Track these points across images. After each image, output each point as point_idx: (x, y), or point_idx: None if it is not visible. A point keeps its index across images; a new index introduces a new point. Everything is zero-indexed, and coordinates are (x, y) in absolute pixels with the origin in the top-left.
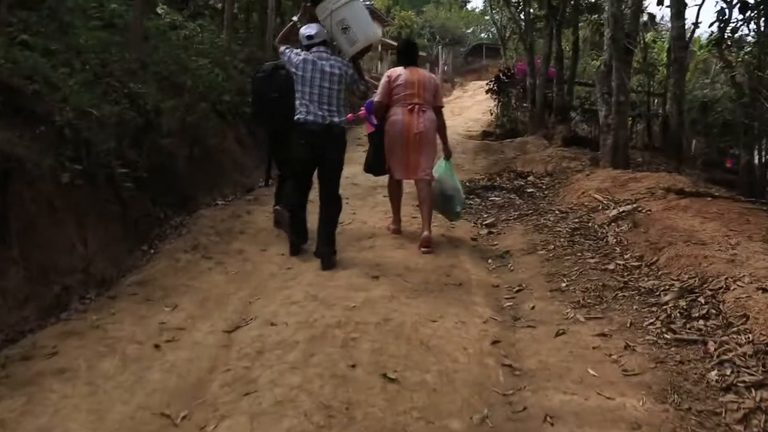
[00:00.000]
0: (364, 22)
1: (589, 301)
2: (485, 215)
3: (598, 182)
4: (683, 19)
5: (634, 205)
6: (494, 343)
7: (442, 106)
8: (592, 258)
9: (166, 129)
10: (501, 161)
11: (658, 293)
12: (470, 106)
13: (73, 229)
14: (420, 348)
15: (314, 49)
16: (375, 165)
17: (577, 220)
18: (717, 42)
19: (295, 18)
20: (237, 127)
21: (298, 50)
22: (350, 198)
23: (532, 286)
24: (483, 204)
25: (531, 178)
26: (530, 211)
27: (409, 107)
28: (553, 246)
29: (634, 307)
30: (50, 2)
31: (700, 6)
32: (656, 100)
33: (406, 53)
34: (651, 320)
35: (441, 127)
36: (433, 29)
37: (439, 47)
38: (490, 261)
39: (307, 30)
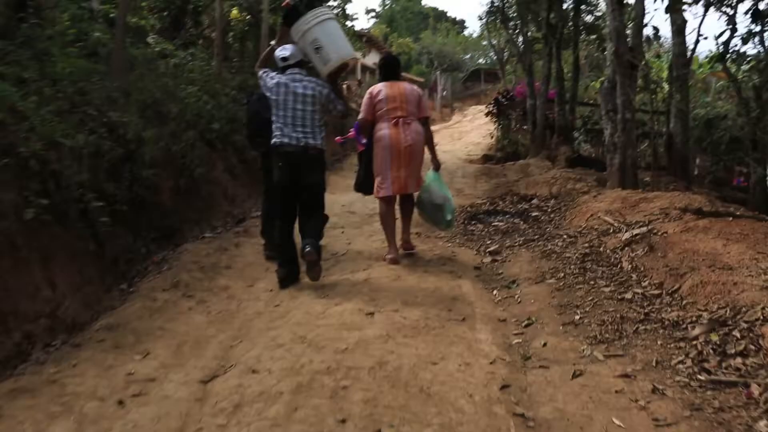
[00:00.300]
0: (336, 41)
1: (606, 335)
2: (488, 242)
3: (606, 204)
4: (684, 35)
5: (649, 228)
6: (503, 388)
7: (428, 117)
8: (607, 286)
9: (149, 159)
10: (503, 184)
11: (684, 326)
12: (470, 131)
13: (37, 269)
14: (419, 396)
15: (288, 71)
16: (365, 184)
17: (587, 244)
18: (720, 57)
19: (272, 42)
20: (227, 156)
21: (273, 74)
22: (346, 227)
23: (542, 320)
24: (486, 230)
25: (535, 201)
26: (536, 237)
27: (394, 121)
28: (563, 274)
29: (659, 342)
30: (25, 30)
31: (701, 22)
32: (657, 119)
33: (386, 68)
34: (680, 358)
35: (428, 139)
36: (431, 55)
37: (437, 73)
38: (495, 292)
39: (282, 52)
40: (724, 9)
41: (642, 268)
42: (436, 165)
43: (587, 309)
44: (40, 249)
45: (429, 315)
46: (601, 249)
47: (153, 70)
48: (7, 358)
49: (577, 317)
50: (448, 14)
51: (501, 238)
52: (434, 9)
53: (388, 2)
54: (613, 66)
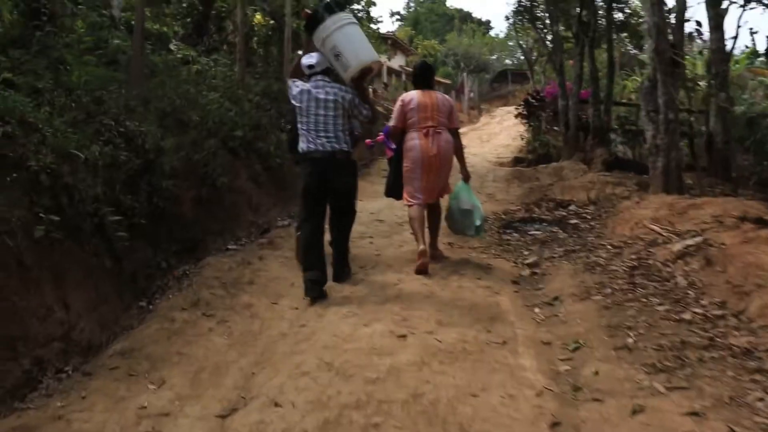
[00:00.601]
0: (356, 45)
1: (667, 363)
2: (526, 252)
3: (651, 210)
4: (722, 30)
5: (703, 238)
6: (553, 426)
7: (458, 128)
8: (661, 305)
9: (169, 169)
10: (537, 189)
11: (758, 354)
12: (499, 133)
13: (49, 290)
14: None
15: (313, 78)
16: (395, 189)
17: (634, 256)
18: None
19: (300, 52)
20: (251, 163)
21: (299, 82)
22: (374, 236)
23: (591, 343)
24: (522, 239)
25: (573, 207)
26: (577, 247)
27: (424, 131)
28: (610, 290)
29: (729, 373)
30: (39, 38)
31: (740, 16)
32: (696, 118)
33: (420, 76)
34: (757, 394)
35: (458, 149)
36: (457, 57)
37: (464, 74)
38: (537, 310)
39: (307, 60)
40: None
41: (699, 284)
42: (466, 176)
43: (641, 331)
44: (52, 268)
45: (466, 337)
46: (651, 261)
47: (174, 76)
48: (15, 386)
49: (630, 340)
50: (474, 15)
51: (539, 249)
52: (459, 11)
53: (412, 5)
54: (653, 64)
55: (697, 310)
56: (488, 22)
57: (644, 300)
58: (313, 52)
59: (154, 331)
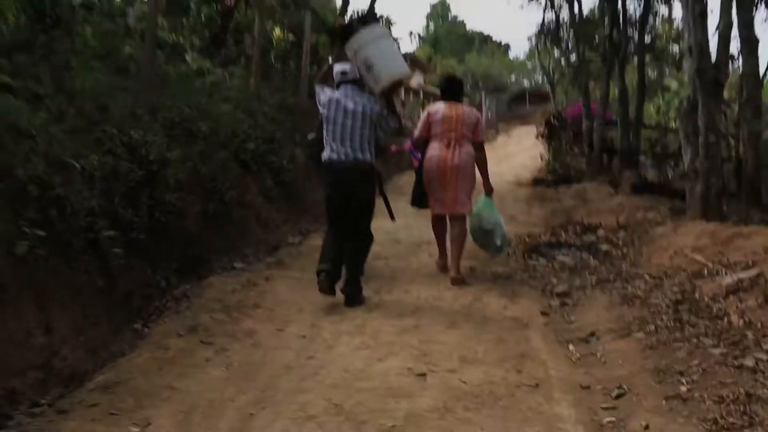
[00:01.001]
0: (388, 59)
1: (731, 419)
2: (554, 280)
3: (692, 239)
4: (756, 54)
5: (757, 271)
6: None
7: (482, 141)
8: (716, 347)
9: (174, 181)
10: (560, 211)
11: None
12: (517, 153)
13: (30, 312)
14: None
15: (342, 86)
16: (419, 198)
17: (677, 289)
18: None
19: (330, 60)
20: (262, 177)
21: (328, 90)
22: (390, 258)
23: (637, 389)
24: (550, 266)
25: (601, 232)
26: (611, 276)
27: (446, 142)
28: (653, 326)
29: None
30: (44, 42)
31: None
32: (727, 143)
33: (447, 89)
34: None
35: (481, 162)
36: (476, 77)
37: (482, 94)
38: (571, 347)
39: (340, 67)
40: None
41: (759, 325)
42: (488, 189)
43: (695, 378)
44: (35, 287)
45: (494, 378)
46: (697, 296)
47: (186, 86)
48: None
49: (683, 389)
50: (493, 38)
51: (569, 277)
52: (480, 33)
53: (432, 26)
54: (693, 84)
55: (760, 356)
56: (507, 45)
57: (695, 340)
58: (343, 61)
59: (145, 360)
